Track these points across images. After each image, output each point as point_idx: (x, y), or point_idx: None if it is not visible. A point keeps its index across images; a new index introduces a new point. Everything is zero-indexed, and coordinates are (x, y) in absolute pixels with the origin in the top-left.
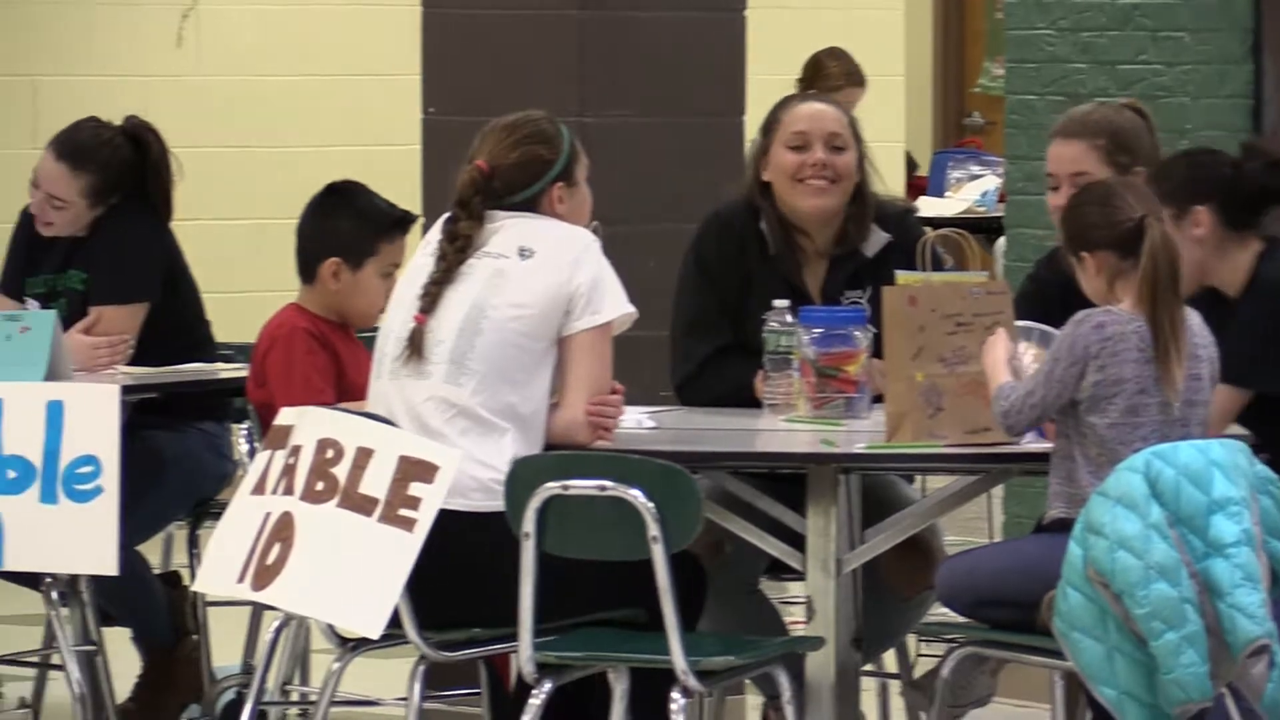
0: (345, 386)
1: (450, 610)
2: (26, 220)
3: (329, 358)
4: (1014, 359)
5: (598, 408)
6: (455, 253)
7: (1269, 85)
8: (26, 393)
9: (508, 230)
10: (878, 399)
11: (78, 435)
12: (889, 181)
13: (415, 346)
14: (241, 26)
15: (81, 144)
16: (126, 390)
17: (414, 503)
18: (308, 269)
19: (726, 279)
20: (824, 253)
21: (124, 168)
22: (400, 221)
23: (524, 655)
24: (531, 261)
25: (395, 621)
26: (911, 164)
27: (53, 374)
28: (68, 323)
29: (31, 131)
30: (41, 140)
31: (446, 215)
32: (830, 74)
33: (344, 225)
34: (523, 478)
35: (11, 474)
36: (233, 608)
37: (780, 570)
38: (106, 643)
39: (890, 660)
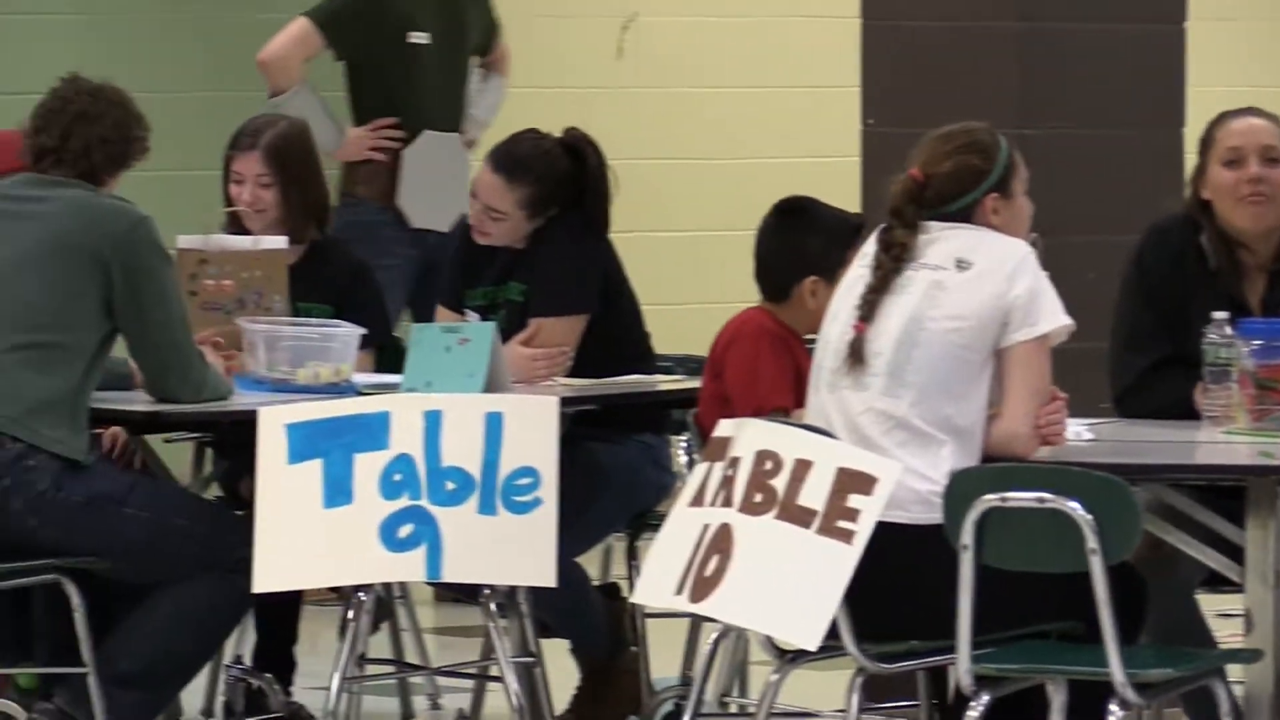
0: (800, 397)
1: (888, 622)
2: (465, 232)
3: (793, 365)
4: None
5: (1048, 416)
6: (891, 261)
7: None
8: (466, 404)
9: (945, 242)
10: None
11: (517, 447)
12: None
13: (856, 354)
14: (681, 38)
15: (520, 156)
16: (565, 402)
17: (852, 515)
18: (779, 290)
19: (1166, 292)
20: (1264, 266)
21: (562, 179)
22: (859, 228)
23: (962, 667)
24: (969, 273)
25: (833, 633)
26: None
27: (492, 386)
28: (507, 335)
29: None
30: (479, 151)
31: (881, 226)
32: None
33: (813, 243)
34: (961, 490)
35: (450, 485)
36: (671, 619)
37: (1217, 583)
38: (545, 654)
39: None
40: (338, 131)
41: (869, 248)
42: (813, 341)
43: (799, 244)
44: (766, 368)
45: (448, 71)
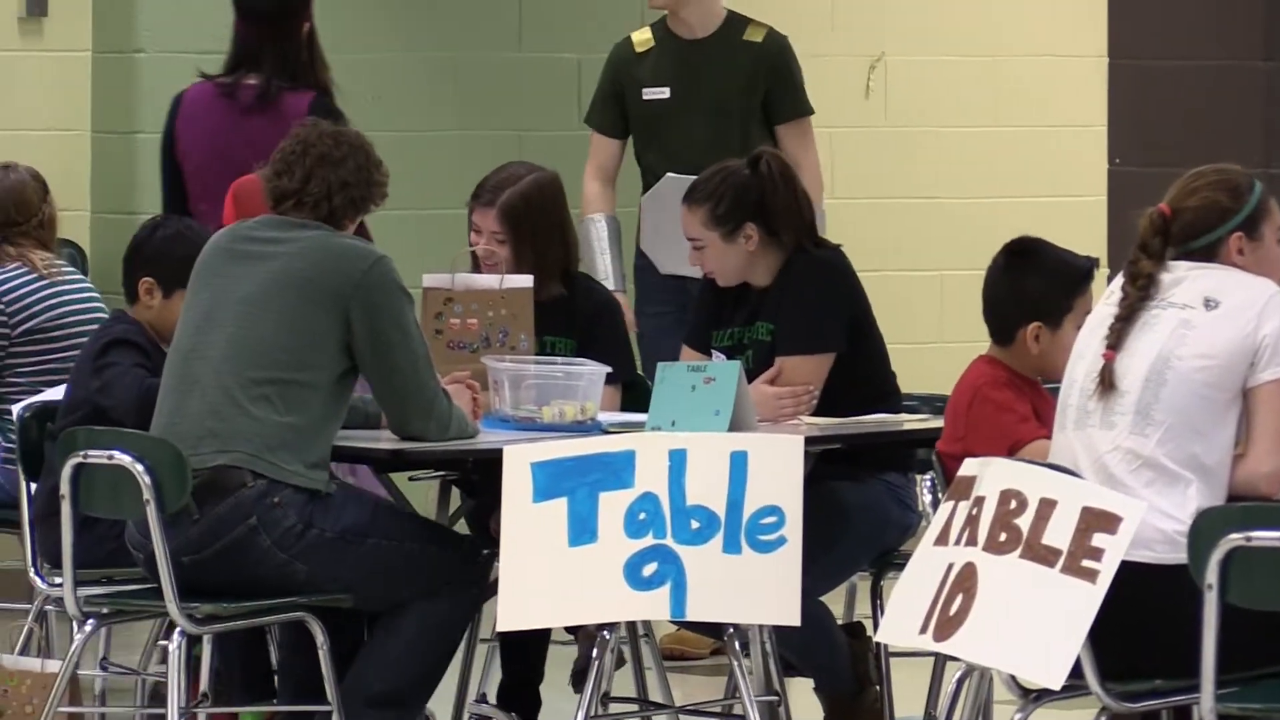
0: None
1: (1132, 661)
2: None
3: (1031, 409)
4: None
5: None
6: (1138, 292)
7: None
8: (711, 443)
9: (1193, 281)
10: None
11: (762, 486)
12: None
13: (1106, 382)
14: (929, 77)
15: (697, 181)
16: (810, 441)
17: (1097, 554)
18: (1004, 332)
19: None
20: None
21: (740, 190)
22: (1088, 272)
23: (1205, 706)
24: (1217, 312)
25: (1077, 672)
26: None
27: (737, 424)
28: (753, 374)
29: None
30: None
31: (1128, 260)
32: None
33: (1037, 285)
34: (1206, 529)
35: (695, 524)
36: (915, 658)
37: None
38: (788, 693)
39: None
40: (619, 274)
41: (1115, 286)
42: (1048, 383)
43: (1023, 287)
44: (1010, 410)
45: (683, 123)
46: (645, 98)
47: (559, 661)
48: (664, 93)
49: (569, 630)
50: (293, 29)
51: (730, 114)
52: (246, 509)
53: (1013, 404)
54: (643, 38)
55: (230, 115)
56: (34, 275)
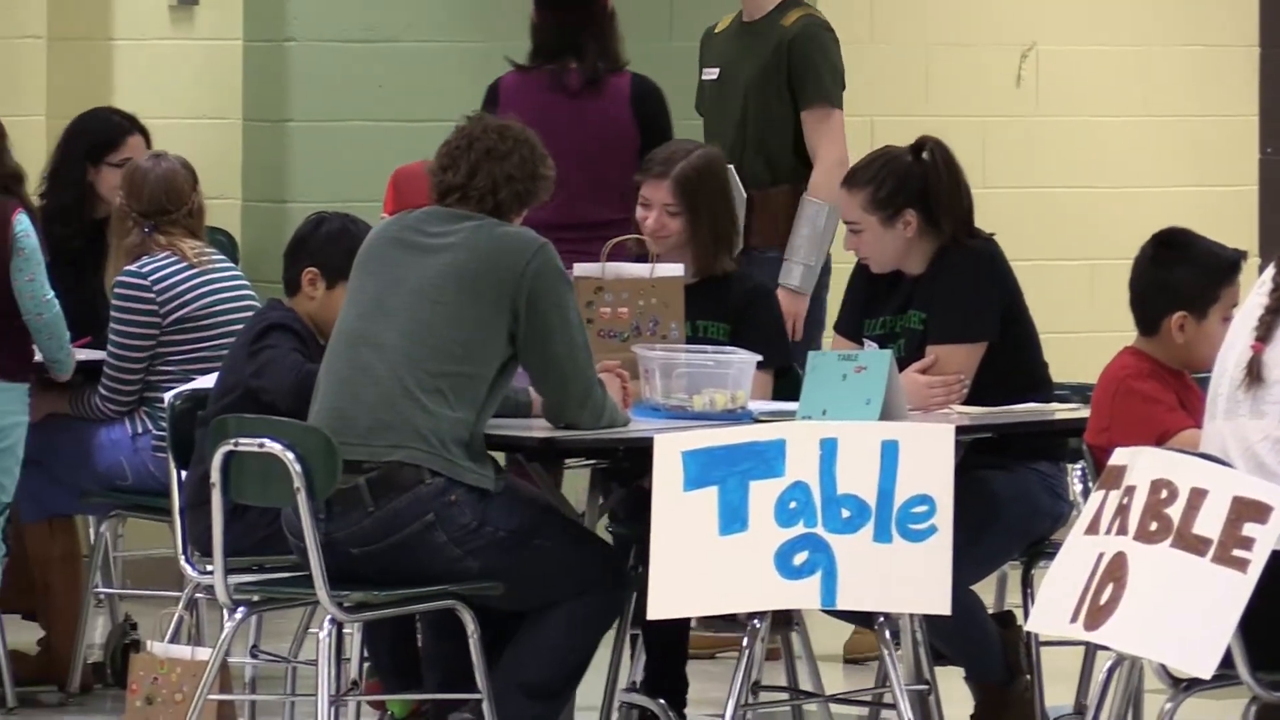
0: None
1: None
2: (863, 263)
3: (1176, 400)
4: None
5: None
6: None
7: None
8: (862, 432)
9: None
10: None
11: (912, 474)
12: None
13: (1254, 374)
14: (1081, 66)
15: (859, 165)
16: (961, 430)
17: (1247, 543)
18: (1149, 322)
19: None
20: None
21: (902, 175)
22: (1235, 264)
23: None
24: None
25: (1227, 661)
26: None
27: (888, 413)
28: (904, 363)
29: None
30: None
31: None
32: None
33: (1184, 276)
34: None
35: (846, 513)
36: (1066, 647)
37: None
38: (939, 682)
39: None
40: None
41: (1268, 275)
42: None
43: (1169, 277)
44: (1157, 400)
45: (722, 105)
46: (703, 78)
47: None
48: (714, 73)
49: (703, 622)
50: (602, 12)
51: (751, 97)
52: (424, 505)
53: (1159, 394)
54: (727, 19)
55: (561, 102)
56: (184, 264)
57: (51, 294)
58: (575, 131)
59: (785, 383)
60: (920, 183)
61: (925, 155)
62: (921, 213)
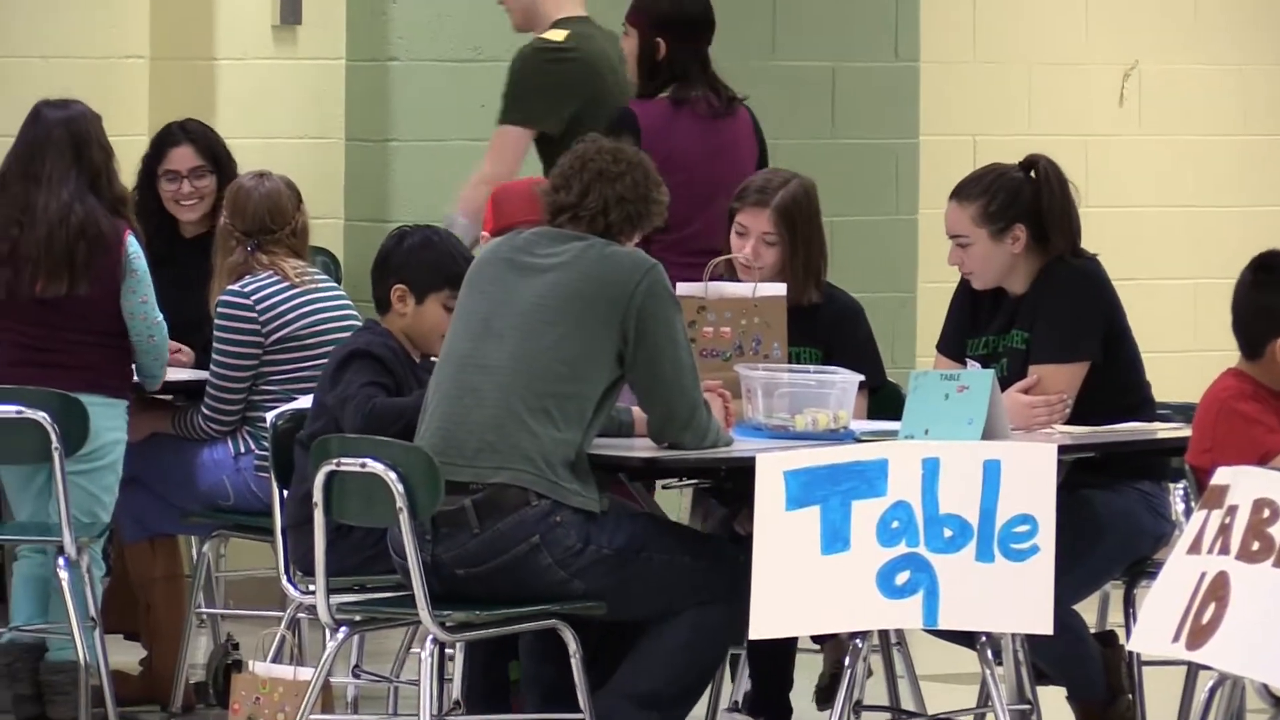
0: None
1: None
2: (967, 282)
3: (1278, 423)
4: None
5: None
6: None
7: None
8: (964, 452)
9: None
10: None
11: (1014, 494)
12: None
13: None
14: (1183, 85)
15: (968, 179)
16: (1063, 449)
17: None
18: (1253, 347)
19: None
20: None
21: (1013, 190)
22: None
23: None
24: None
25: None
26: None
27: (989, 433)
28: (1007, 382)
29: None
30: None
31: None
32: None
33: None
34: None
35: (948, 532)
36: (1168, 667)
37: None
38: (1041, 701)
39: None
40: None
41: None
42: None
43: (1270, 301)
44: (1259, 422)
45: None
46: None
47: (807, 669)
48: None
49: (815, 640)
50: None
51: None
52: (530, 527)
53: (1261, 416)
54: None
55: (697, 126)
56: (286, 284)
57: (160, 316)
58: (717, 159)
59: (878, 399)
60: (1031, 199)
61: (1036, 172)
62: (1031, 228)
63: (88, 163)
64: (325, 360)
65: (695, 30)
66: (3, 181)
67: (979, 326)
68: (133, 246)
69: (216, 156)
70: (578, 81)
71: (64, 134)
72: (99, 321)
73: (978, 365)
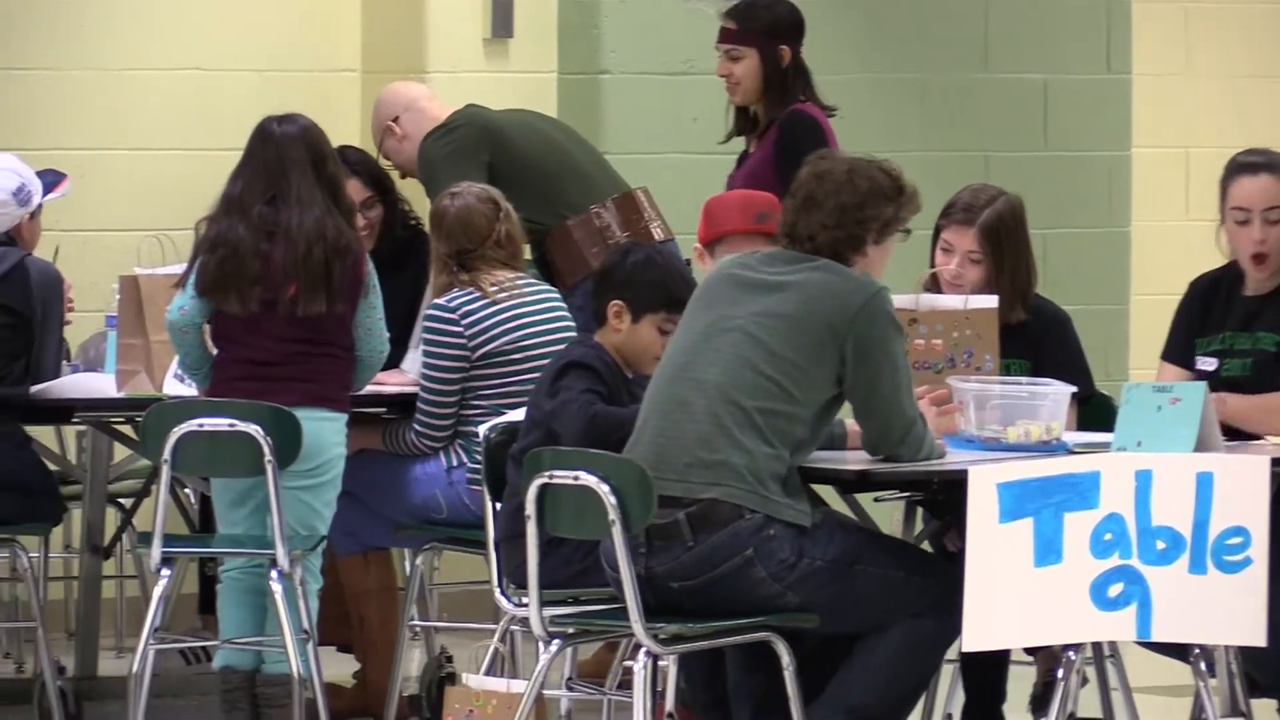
0: None
1: None
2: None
3: None
4: None
5: None
6: None
7: None
8: (1176, 464)
9: None
10: None
11: (1227, 506)
12: None
13: None
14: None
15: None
16: (1276, 461)
17: None
18: None
19: None
20: None
21: None
22: None
23: None
24: None
25: None
26: None
27: (1202, 445)
28: (1248, 382)
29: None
30: None
31: None
32: None
33: None
34: None
35: (1161, 545)
36: None
37: None
38: (1255, 713)
39: None
40: None
41: None
42: None
43: None
44: None
45: None
46: None
47: (1019, 681)
48: None
49: (1028, 651)
50: None
51: None
52: (743, 541)
53: None
54: None
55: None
56: (486, 300)
57: (387, 333)
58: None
59: (1088, 411)
60: None
61: None
62: None
63: (328, 177)
64: (532, 374)
65: (804, 33)
66: (241, 200)
67: (1211, 324)
68: (369, 263)
69: (380, 183)
70: (477, 136)
71: (302, 149)
72: (336, 336)
73: (1212, 362)
